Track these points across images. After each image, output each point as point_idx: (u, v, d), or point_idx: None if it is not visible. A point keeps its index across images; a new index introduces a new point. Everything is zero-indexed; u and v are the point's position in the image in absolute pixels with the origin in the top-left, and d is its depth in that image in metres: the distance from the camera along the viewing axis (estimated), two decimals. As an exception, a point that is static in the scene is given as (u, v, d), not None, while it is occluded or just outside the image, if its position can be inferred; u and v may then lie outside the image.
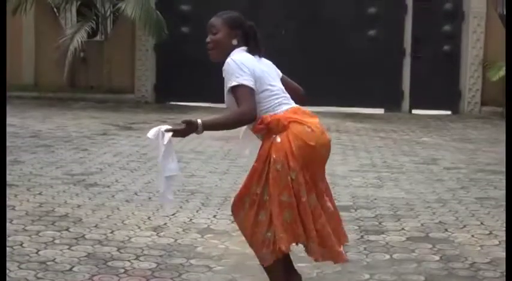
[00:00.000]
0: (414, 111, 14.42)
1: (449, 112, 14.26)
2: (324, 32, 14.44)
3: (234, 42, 3.55)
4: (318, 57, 14.49)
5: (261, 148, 3.56)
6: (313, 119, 3.62)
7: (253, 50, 3.60)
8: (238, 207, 3.62)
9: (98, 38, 15.97)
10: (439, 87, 14.18)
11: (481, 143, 10.15)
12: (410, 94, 14.47)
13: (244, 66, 3.47)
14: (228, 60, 3.49)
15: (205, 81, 14.48)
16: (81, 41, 13.95)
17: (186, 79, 14.56)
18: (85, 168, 7.58)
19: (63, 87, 14.94)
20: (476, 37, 14.13)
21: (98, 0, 15.01)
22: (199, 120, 3.43)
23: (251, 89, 3.46)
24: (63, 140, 9.48)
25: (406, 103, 14.52)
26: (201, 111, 13.24)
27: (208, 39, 3.56)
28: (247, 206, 3.55)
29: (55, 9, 15.40)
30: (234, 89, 3.45)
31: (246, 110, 3.43)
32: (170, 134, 3.42)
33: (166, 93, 14.89)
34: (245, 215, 3.57)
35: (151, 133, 3.50)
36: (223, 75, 3.56)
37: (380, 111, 14.42)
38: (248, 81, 3.45)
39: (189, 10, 14.72)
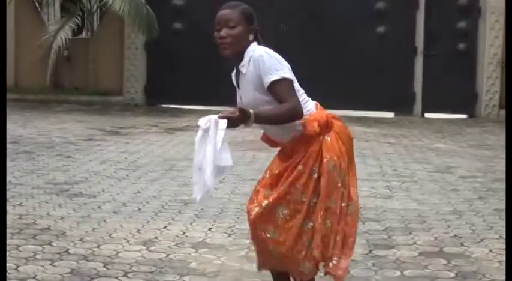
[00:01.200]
0: (427, 115, 14.43)
1: (465, 116, 14.28)
2: (329, 29, 14.46)
3: (251, 37, 3.53)
4: (322, 57, 14.51)
5: (302, 149, 3.53)
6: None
7: (261, 45, 3.60)
8: (267, 220, 3.53)
9: (83, 35, 16.00)
10: (453, 88, 14.20)
11: (500, 149, 10.14)
12: (422, 96, 14.49)
13: (281, 60, 3.48)
14: (260, 54, 3.44)
15: (200, 82, 14.53)
16: (65, 39, 13.97)
17: (179, 80, 14.58)
18: (69, 176, 7.57)
19: (46, 88, 14.96)
20: (494, 34, 14.15)
21: (84, -6, 15.04)
22: (251, 110, 3.31)
23: (292, 82, 3.47)
24: (45, 146, 9.47)
25: (418, 106, 14.54)
26: (196, 114, 13.24)
27: (223, 34, 3.46)
28: (283, 217, 3.50)
29: (37, 4, 15.44)
30: (276, 83, 3.41)
31: (298, 106, 3.43)
32: (225, 121, 3.27)
33: (157, 95, 14.91)
34: (281, 228, 3.51)
35: (203, 121, 3.33)
36: (242, 71, 3.49)
37: (390, 115, 14.44)
38: (290, 75, 3.46)
39: (182, 5, 14.74)
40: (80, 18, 15.00)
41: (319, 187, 3.49)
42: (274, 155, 3.80)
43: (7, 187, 6.86)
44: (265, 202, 3.55)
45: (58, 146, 9.57)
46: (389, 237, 5.52)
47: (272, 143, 3.77)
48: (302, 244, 3.50)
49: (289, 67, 3.52)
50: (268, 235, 3.53)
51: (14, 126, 11.16)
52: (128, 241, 5.24)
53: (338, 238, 3.54)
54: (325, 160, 3.49)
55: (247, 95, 3.53)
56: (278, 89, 3.41)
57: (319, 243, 3.51)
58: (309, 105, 3.61)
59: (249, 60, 3.48)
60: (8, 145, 9.34)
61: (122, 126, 11.89)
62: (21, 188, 6.89)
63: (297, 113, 3.44)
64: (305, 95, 3.63)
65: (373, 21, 14.49)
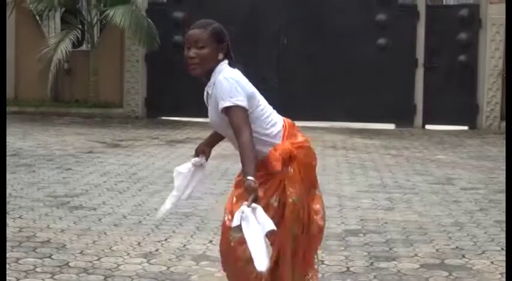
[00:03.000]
0: (428, 127, 14.44)
1: (466, 127, 14.29)
2: (329, 40, 14.49)
3: (220, 56, 3.57)
4: (322, 68, 14.53)
5: (265, 173, 3.57)
6: (300, 133, 3.78)
7: (233, 63, 3.63)
8: (224, 237, 3.65)
9: (83, 47, 16.03)
10: (454, 100, 14.21)
11: (501, 161, 10.14)
12: (423, 108, 14.50)
13: (239, 86, 3.51)
14: (221, 78, 3.50)
15: (200, 94, 14.47)
16: (66, 51, 14.00)
17: (180, 92, 14.59)
18: (69, 189, 7.58)
19: (46, 101, 14.99)
20: (494, 46, 14.18)
21: (84, 6, 15.09)
22: (249, 177, 3.36)
23: (246, 110, 3.51)
24: (46, 159, 9.48)
25: (418, 118, 14.55)
26: (197, 126, 13.27)
27: (192, 54, 3.52)
28: (236, 239, 3.55)
29: (37, 17, 15.47)
30: (228, 109, 3.48)
31: (249, 135, 3.46)
32: (256, 205, 3.36)
33: (158, 107, 14.93)
34: (233, 250, 3.58)
35: (184, 167, 3.99)
36: (209, 91, 3.60)
37: (391, 126, 14.45)
38: (243, 102, 3.49)
39: (182, 17, 14.76)
40: (80, 31, 15.04)
41: (279, 217, 3.56)
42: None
43: (7, 200, 6.87)
44: (226, 217, 3.64)
45: (58, 158, 9.58)
46: (391, 249, 5.52)
47: None
48: (250, 267, 3.44)
49: (251, 93, 3.56)
50: (228, 248, 3.64)
51: (14, 139, 11.17)
52: (128, 254, 5.24)
53: (302, 257, 3.70)
54: (288, 192, 3.58)
55: (212, 115, 3.64)
56: (230, 116, 3.48)
57: (285, 269, 3.61)
58: (276, 126, 3.65)
59: (214, 82, 3.55)
60: (8, 158, 9.34)
61: (123, 138, 11.90)
62: (21, 201, 6.90)
63: (252, 141, 3.45)
64: (271, 115, 3.67)
65: (374, 33, 14.52)
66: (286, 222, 3.57)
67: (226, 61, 3.61)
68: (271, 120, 3.66)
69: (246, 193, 3.37)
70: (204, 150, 3.94)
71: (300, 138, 3.71)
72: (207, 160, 3.97)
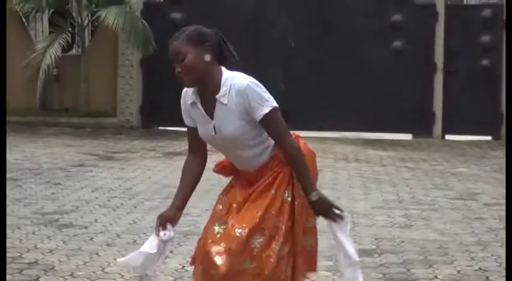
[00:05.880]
0: (448, 137, 14.43)
1: (489, 138, 14.27)
2: (341, 43, 14.51)
3: (207, 58, 3.54)
4: (333, 74, 14.54)
5: (271, 173, 3.63)
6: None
7: (230, 67, 3.64)
8: (243, 253, 3.56)
9: (73, 51, 16.10)
10: (476, 108, 14.21)
11: (528, 174, 10.14)
12: (442, 116, 14.50)
13: (262, 86, 3.57)
14: (243, 82, 3.50)
15: (201, 102, 14.57)
16: (55, 56, 14.04)
17: (178, 100, 14.49)
18: (58, 206, 7.59)
19: (33, 110, 15.02)
20: (520, 49, 14.18)
21: (74, 7, 15.13)
22: (312, 194, 3.55)
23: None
24: (33, 173, 9.50)
25: (438, 127, 14.54)
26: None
27: (178, 69, 3.53)
28: (260, 247, 3.55)
29: (23, 19, 15.52)
30: (268, 115, 3.52)
31: (292, 139, 3.59)
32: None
33: (154, 116, 14.95)
34: (257, 258, 3.55)
35: (150, 246, 3.62)
36: (223, 101, 3.53)
37: (407, 136, 14.44)
38: (275, 102, 3.57)
39: (180, 19, 14.79)
40: (70, 34, 15.09)
41: (293, 211, 3.62)
42: (227, 187, 3.84)
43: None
44: (239, 230, 3.56)
45: (47, 172, 9.59)
46: (408, 270, 5.52)
47: (228, 172, 3.84)
48: (280, 270, 3.57)
49: None
50: (245, 266, 3.56)
51: (-1, 151, 11.19)
52: (122, 276, 5.25)
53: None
54: (294, 182, 3.63)
55: (228, 126, 3.56)
56: (271, 123, 3.54)
57: (301, 265, 3.66)
58: None
59: (230, 90, 3.52)
60: (-8, 172, 9.37)
61: (116, 150, 11.92)
62: (7, 219, 6.90)
63: (299, 146, 3.62)
64: None
65: (389, 35, 14.52)
66: (297, 216, 3.61)
67: (220, 67, 3.59)
68: None
69: (320, 211, 3.56)
70: (173, 217, 3.66)
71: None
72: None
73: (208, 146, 3.74)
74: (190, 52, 3.50)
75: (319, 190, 3.55)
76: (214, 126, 3.58)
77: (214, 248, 3.56)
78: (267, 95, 3.54)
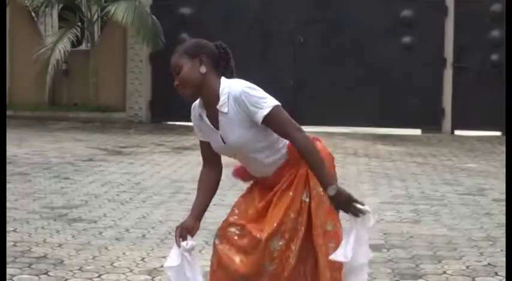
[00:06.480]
0: (457, 132, 14.41)
1: (499, 133, 14.23)
2: (350, 39, 14.49)
3: (202, 69, 3.55)
4: (342, 69, 14.53)
5: (288, 175, 3.64)
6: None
7: (230, 76, 3.63)
8: (263, 257, 3.59)
9: (83, 46, 16.12)
10: (486, 103, 14.17)
11: (538, 169, 10.11)
12: (452, 112, 14.48)
13: (258, 88, 3.55)
14: (239, 89, 3.50)
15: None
16: (64, 51, 14.07)
17: (187, 95, 14.63)
18: (67, 200, 7.60)
19: (42, 104, 15.05)
20: (530, 44, 14.13)
21: (83, 2, 15.15)
22: (330, 188, 3.47)
23: (281, 106, 3.56)
24: (42, 167, 9.52)
25: (447, 122, 14.52)
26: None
27: (176, 83, 3.58)
28: (280, 249, 3.57)
29: (33, 14, 15.55)
30: (269, 116, 3.49)
31: (302, 132, 3.53)
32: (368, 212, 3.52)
33: (163, 111, 14.96)
34: (277, 260, 3.57)
35: (173, 260, 3.59)
36: (223, 110, 3.53)
37: (417, 132, 14.42)
38: (275, 100, 3.53)
39: (189, 14, 14.82)
40: (79, 29, 15.12)
41: (311, 212, 3.61)
42: (246, 191, 3.83)
43: None
44: (259, 235, 3.58)
45: (56, 167, 9.61)
46: (417, 266, 5.51)
47: (247, 177, 3.84)
48: (298, 272, 3.59)
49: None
50: (265, 269, 3.59)
51: (8, 146, 11.19)
52: (131, 271, 5.26)
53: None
54: (311, 183, 3.60)
55: (233, 134, 3.57)
56: (274, 122, 3.51)
57: (325, 272, 3.58)
58: None
59: (228, 98, 3.53)
60: (1, 166, 9.40)
61: (125, 145, 11.93)
62: (16, 213, 6.93)
63: (309, 139, 3.55)
64: None
65: (399, 31, 14.51)
66: (314, 218, 3.59)
67: (218, 76, 3.58)
68: None
69: (339, 205, 3.48)
70: (193, 227, 3.68)
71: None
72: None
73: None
74: (186, 64, 3.54)
75: (337, 184, 3.49)
76: (221, 136, 3.59)
77: (234, 251, 3.61)
78: (264, 96, 3.51)
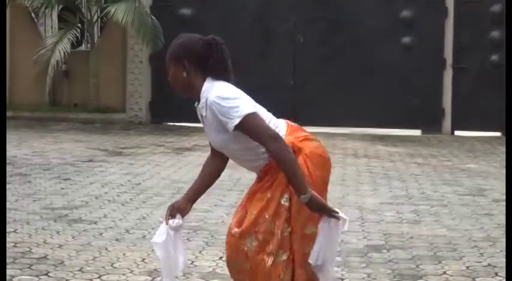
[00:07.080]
0: (457, 133, 14.40)
1: (499, 134, 14.23)
2: (350, 39, 14.49)
3: (184, 74, 3.65)
4: (341, 69, 14.53)
5: (270, 175, 3.64)
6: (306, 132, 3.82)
7: (218, 75, 3.65)
8: (237, 253, 3.66)
9: (83, 47, 16.12)
10: (486, 104, 14.17)
11: (538, 170, 10.11)
12: (452, 112, 14.48)
13: (235, 95, 3.56)
14: (213, 99, 3.54)
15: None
16: (64, 52, 14.07)
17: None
18: (68, 201, 7.60)
19: (42, 105, 15.05)
20: (530, 45, 14.14)
21: (83, 3, 15.15)
22: (302, 197, 3.50)
23: (256, 113, 3.57)
24: (42, 168, 9.52)
25: (447, 123, 14.52)
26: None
27: (169, 79, 3.74)
28: (253, 249, 3.60)
29: (33, 15, 15.55)
30: (240, 126, 3.52)
31: (279, 139, 3.53)
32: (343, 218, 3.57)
33: (163, 112, 14.96)
34: (252, 260, 3.61)
35: (160, 236, 3.67)
36: (202, 113, 3.65)
37: (417, 132, 14.42)
38: (248, 109, 3.54)
39: (189, 14, 14.81)
40: (79, 30, 15.12)
41: (291, 216, 3.62)
42: None
43: None
44: (235, 230, 3.69)
45: (56, 167, 9.61)
46: (417, 266, 5.51)
47: None
48: (277, 276, 3.59)
49: (245, 96, 3.62)
50: (240, 266, 3.67)
51: (8, 146, 11.20)
52: (131, 271, 5.26)
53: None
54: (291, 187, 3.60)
55: (211, 135, 3.70)
56: (247, 130, 3.53)
57: (302, 273, 3.62)
58: (280, 130, 3.68)
59: (206, 102, 3.61)
60: (1, 167, 9.39)
61: (125, 146, 11.93)
62: (16, 214, 6.92)
63: (285, 147, 3.53)
64: (273, 119, 3.72)
65: (398, 31, 14.51)
66: (293, 222, 3.60)
67: (204, 78, 3.64)
68: (275, 122, 3.71)
69: (314, 211, 3.51)
70: (184, 208, 3.75)
71: (303, 133, 3.75)
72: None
73: None
74: (171, 68, 3.67)
75: (311, 192, 3.48)
76: (206, 132, 3.73)
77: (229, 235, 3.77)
78: (236, 105, 3.52)
